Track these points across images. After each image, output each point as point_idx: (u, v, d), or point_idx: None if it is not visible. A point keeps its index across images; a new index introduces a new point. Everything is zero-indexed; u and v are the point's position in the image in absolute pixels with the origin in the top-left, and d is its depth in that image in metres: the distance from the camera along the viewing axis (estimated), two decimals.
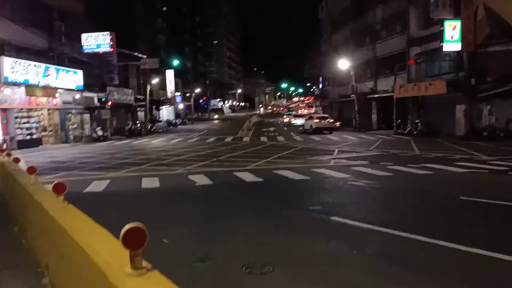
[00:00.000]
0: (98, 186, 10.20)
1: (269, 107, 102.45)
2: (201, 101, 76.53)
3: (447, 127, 25.02)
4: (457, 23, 22.85)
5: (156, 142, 26.44)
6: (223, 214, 7.04)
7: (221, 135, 31.15)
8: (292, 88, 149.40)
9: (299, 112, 48.70)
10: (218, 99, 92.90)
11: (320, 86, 75.09)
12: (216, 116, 72.22)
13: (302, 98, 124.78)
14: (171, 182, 10.60)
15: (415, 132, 26.95)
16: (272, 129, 39.79)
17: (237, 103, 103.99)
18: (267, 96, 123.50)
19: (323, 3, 49.42)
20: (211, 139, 27.28)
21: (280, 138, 27.37)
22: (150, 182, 10.49)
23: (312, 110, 54.72)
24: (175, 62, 48.16)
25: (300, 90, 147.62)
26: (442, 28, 23.15)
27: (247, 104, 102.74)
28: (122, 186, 10.16)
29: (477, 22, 22.68)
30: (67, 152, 20.84)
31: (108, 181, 10.89)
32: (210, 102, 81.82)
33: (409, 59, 28.90)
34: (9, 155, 8.29)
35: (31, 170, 4.94)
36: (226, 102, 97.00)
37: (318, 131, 32.33)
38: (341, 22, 41.11)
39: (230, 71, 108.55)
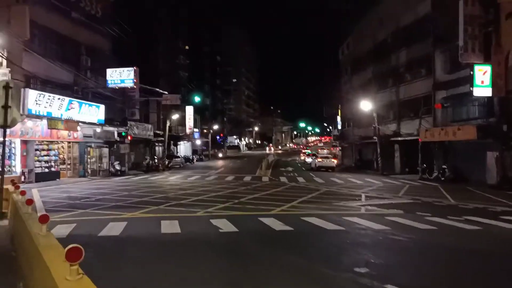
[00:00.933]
0: (114, 228, 9.47)
1: (279, 146, 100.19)
2: (217, 137, 76.65)
3: (476, 174, 23.86)
4: (488, 68, 22.24)
5: (173, 179, 25.84)
6: (256, 275, 6.16)
7: (239, 174, 30.43)
8: (309, 128, 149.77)
9: (319, 151, 48.33)
10: (235, 136, 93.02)
11: (339, 127, 74.64)
12: (220, 155, 65.77)
13: (319, 138, 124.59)
14: (193, 226, 9.81)
15: (442, 178, 25.84)
16: (290, 169, 38.96)
17: (254, 141, 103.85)
18: (283, 134, 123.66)
19: (344, 45, 49.79)
20: (230, 178, 26.56)
21: (300, 179, 26.50)
22: (170, 226, 9.71)
23: (337, 150, 54.20)
24: (197, 99, 48.59)
25: (317, 130, 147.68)
26: (472, 72, 22.57)
27: (265, 143, 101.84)
28: (140, 230, 9.41)
29: (509, 67, 22.03)
30: (84, 187, 20.34)
31: (125, 223, 10.16)
32: (227, 139, 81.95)
33: (435, 102, 28.25)
34: (23, 193, 7.69)
35: (43, 218, 4.26)
36: (242, 139, 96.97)
37: (321, 169, 36.73)
38: (363, 64, 41.07)
39: (247, 109, 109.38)
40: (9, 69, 17.22)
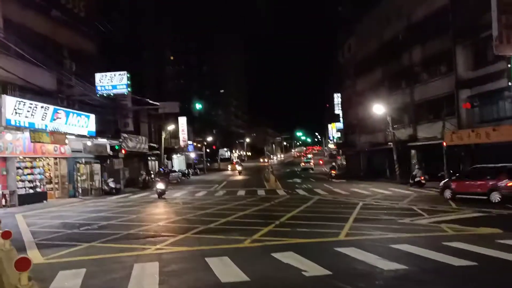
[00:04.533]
0: (146, 277, 6.40)
1: (261, 159, 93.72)
2: (208, 150, 73.27)
3: None
4: None
5: (179, 196, 22.62)
6: None
7: (248, 188, 27.48)
8: (303, 138, 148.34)
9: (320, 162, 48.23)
10: (225, 149, 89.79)
11: (332, 135, 72.59)
12: (214, 168, 63.13)
13: (307, 148, 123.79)
14: (257, 267, 6.81)
15: None
16: (298, 180, 36.17)
17: (245, 153, 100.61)
18: (273, 145, 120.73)
19: (345, 48, 47.56)
20: (241, 193, 23.57)
21: (320, 191, 23.82)
22: (225, 269, 6.69)
23: (338, 158, 52.63)
24: (198, 106, 45.50)
25: (309, 140, 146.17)
26: (509, 65, 20.30)
27: (268, 153, 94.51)
28: (187, 278, 6.33)
29: None
30: (79, 210, 16.98)
31: (156, 264, 7.11)
32: (218, 152, 78.81)
33: (459, 102, 26.02)
34: (6, 236, 4.61)
35: None
36: (234, 151, 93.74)
37: (304, 170, 55.19)
38: (369, 66, 38.71)
39: (237, 120, 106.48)
40: None
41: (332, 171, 38.49)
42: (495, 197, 15.58)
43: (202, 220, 12.74)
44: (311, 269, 6.54)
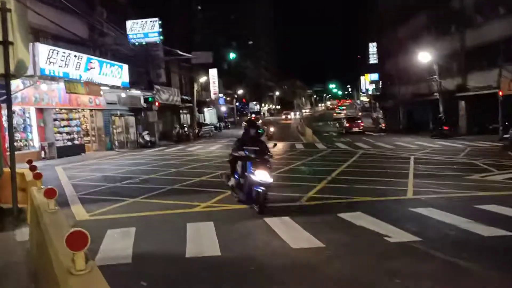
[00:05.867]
0: (203, 238, 5.67)
1: (283, 114, 78.77)
2: (237, 104, 72.20)
3: None
4: None
5: (215, 149, 22.01)
6: None
7: (284, 141, 26.59)
8: (334, 91, 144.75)
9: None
10: (255, 102, 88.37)
11: (365, 88, 69.83)
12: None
13: (341, 100, 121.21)
14: (326, 230, 5.94)
15: None
16: (334, 133, 34.94)
17: (274, 106, 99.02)
18: (303, 99, 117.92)
19: None
20: (279, 146, 22.69)
21: (361, 145, 22.78)
22: (290, 232, 5.85)
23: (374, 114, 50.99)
24: (231, 55, 43.91)
25: (340, 93, 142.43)
26: None
27: (303, 103, 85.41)
28: (250, 242, 5.56)
29: None
30: (118, 162, 16.64)
31: (211, 224, 6.36)
32: (248, 105, 77.68)
33: None
34: (51, 194, 3.81)
35: None
36: (263, 105, 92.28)
37: (337, 119, 51.07)
38: (412, 11, 35.66)
39: (266, 72, 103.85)
40: None
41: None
42: None
43: None
44: (394, 233, 5.60)
